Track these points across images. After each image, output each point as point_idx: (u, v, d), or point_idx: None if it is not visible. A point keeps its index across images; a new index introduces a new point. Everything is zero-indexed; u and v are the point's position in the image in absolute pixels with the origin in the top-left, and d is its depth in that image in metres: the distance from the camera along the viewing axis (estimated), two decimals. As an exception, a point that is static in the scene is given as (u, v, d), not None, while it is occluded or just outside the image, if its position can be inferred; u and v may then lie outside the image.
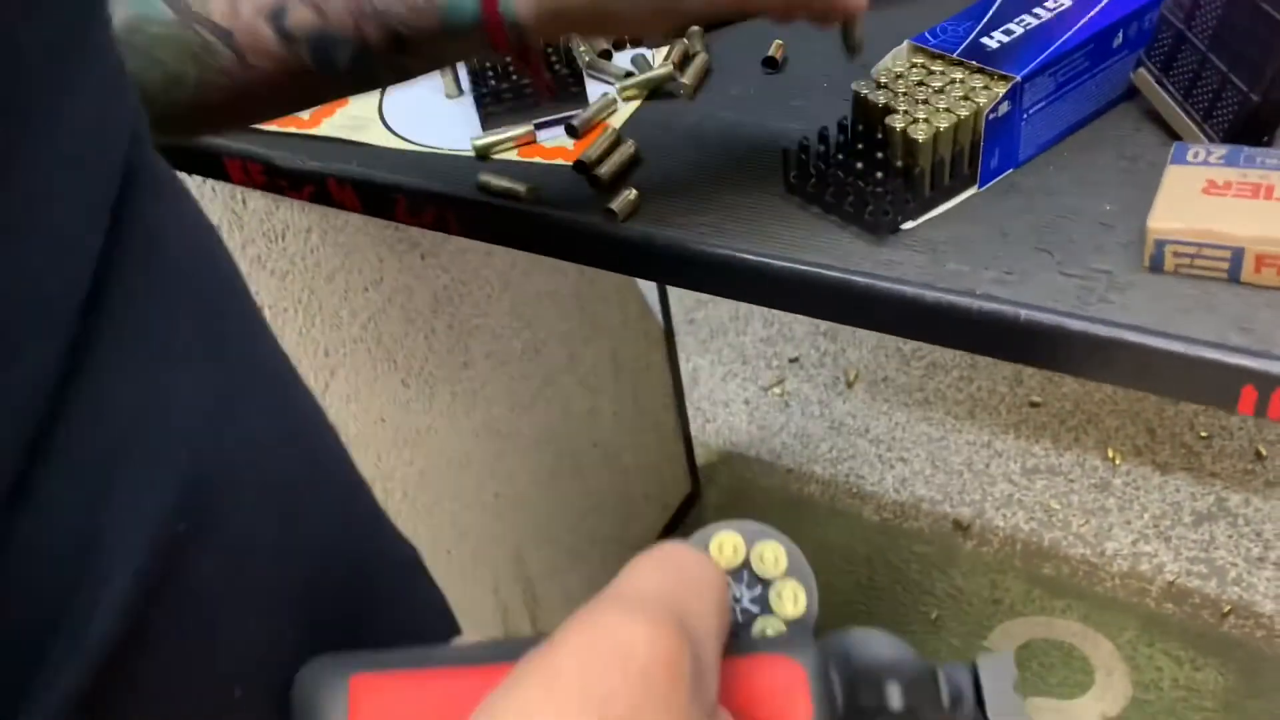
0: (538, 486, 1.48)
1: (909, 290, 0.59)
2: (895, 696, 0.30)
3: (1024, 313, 0.56)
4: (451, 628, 0.52)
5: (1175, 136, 0.65)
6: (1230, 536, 1.67)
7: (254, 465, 0.35)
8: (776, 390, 2.01)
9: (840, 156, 0.65)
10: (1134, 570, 1.67)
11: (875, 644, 0.33)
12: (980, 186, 0.65)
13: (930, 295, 0.58)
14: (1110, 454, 1.79)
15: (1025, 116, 0.64)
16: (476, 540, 1.39)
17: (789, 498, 1.88)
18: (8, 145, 0.26)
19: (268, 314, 1.04)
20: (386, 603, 0.44)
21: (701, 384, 2.07)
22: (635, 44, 0.80)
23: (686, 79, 0.77)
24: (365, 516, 0.44)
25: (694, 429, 1.85)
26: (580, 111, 0.76)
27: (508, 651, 0.28)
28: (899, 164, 0.63)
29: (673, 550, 0.28)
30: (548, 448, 1.48)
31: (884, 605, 1.67)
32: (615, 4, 0.48)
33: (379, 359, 1.19)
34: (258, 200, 0.98)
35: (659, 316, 1.66)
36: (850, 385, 1.96)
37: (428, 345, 1.24)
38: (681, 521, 1.83)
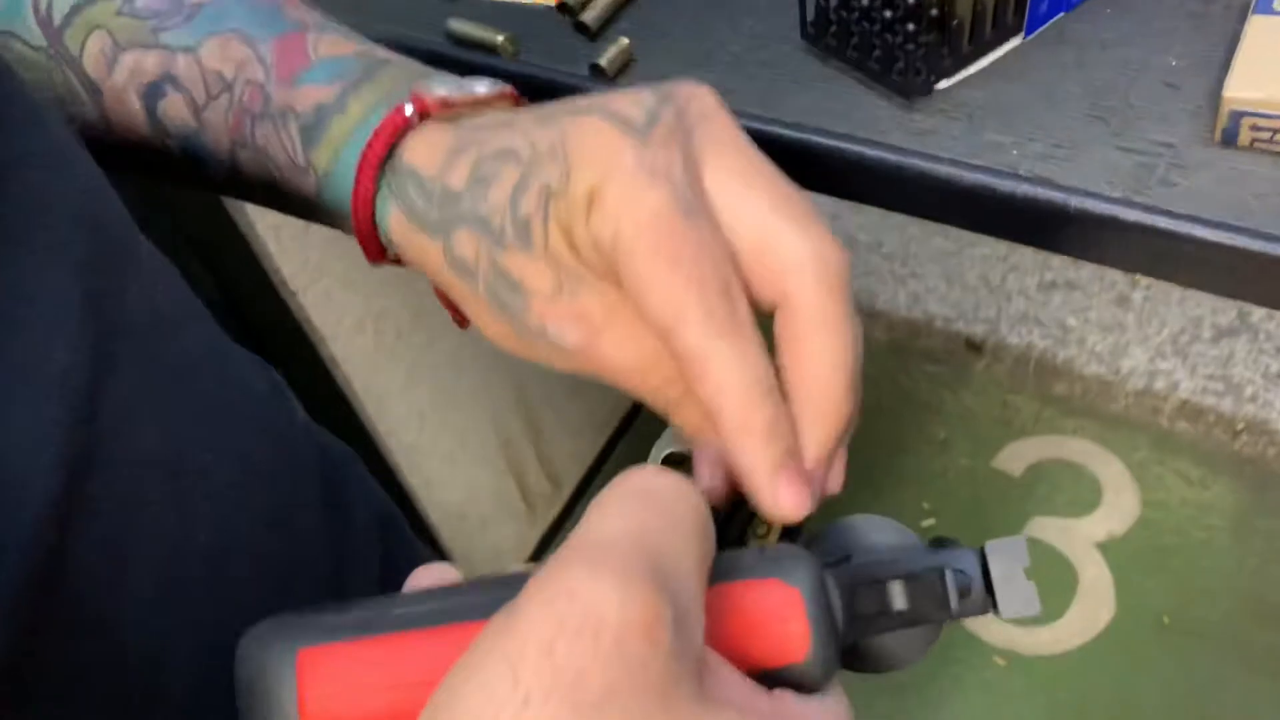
0: (537, 317, 1.43)
1: (942, 170, 0.51)
2: (899, 597, 0.28)
3: (1074, 201, 0.49)
4: (392, 517, 0.50)
5: (1258, -29, 0.56)
6: (1250, 352, 1.62)
7: (136, 428, 0.31)
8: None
9: (867, 2, 0.56)
10: (1149, 389, 1.64)
11: (873, 532, 0.30)
12: (1026, 35, 0.56)
13: (967, 177, 0.50)
14: (1131, 267, 1.72)
15: (1083, -51, 0.55)
16: (476, 374, 1.36)
17: (797, 316, 1.83)
18: None
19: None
20: (312, 538, 0.41)
21: (707, 195, 1.98)
22: None
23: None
24: (281, 443, 0.41)
25: (699, 246, 1.78)
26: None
27: (466, 606, 0.26)
28: (934, 12, 0.54)
29: (637, 479, 0.25)
30: (546, 277, 1.42)
31: (890, 427, 1.65)
32: (474, 300, 0.35)
33: (361, 196, 1.11)
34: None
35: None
36: (862, 197, 1.88)
37: (413, 178, 1.16)
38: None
